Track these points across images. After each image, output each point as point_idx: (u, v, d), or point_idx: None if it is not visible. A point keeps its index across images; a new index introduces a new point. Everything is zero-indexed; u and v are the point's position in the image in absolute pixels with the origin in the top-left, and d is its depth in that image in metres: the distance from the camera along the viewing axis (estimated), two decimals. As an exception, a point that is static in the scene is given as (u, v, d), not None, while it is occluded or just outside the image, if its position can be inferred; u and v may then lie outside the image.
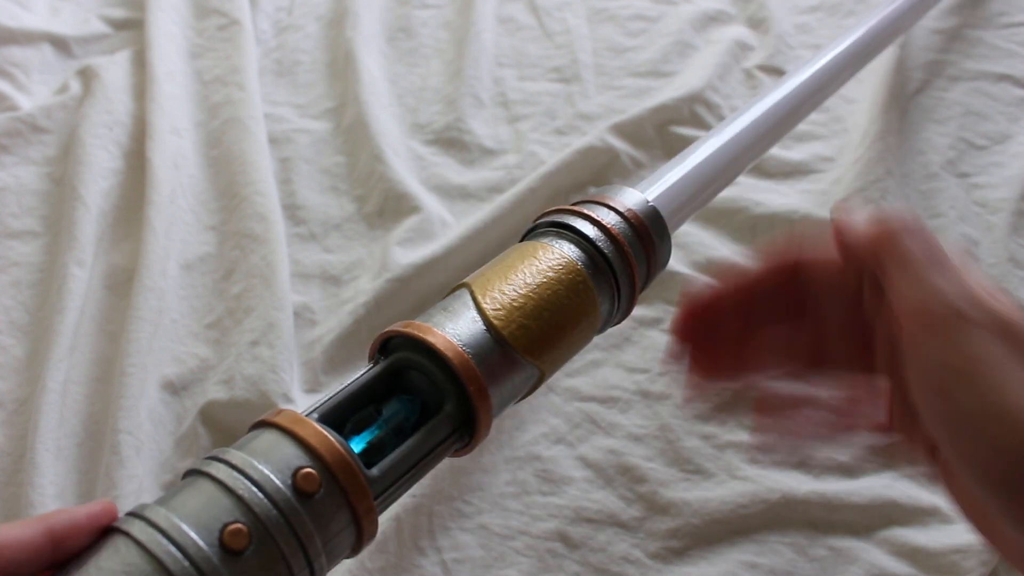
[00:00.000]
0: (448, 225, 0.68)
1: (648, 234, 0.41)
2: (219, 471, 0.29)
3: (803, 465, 0.54)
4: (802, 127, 0.75)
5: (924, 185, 0.69)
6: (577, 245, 0.39)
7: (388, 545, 0.50)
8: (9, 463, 0.54)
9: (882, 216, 0.31)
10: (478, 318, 0.35)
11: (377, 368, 0.34)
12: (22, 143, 0.73)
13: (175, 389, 0.58)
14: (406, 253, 0.64)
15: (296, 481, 0.29)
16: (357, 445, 0.32)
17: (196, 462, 0.30)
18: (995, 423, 0.24)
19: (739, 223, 0.67)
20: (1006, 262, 0.64)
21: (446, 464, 0.52)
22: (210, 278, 0.65)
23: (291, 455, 0.29)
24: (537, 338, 0.36)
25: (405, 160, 0.73)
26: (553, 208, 0.41)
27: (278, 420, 0.31)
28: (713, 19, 0.85)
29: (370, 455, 0.32)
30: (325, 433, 0.30)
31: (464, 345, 0.34)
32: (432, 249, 0.64)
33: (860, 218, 0.32)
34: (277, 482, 0.29)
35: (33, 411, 0.55)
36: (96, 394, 0.58)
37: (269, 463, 0.29)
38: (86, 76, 0.77)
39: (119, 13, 0.86)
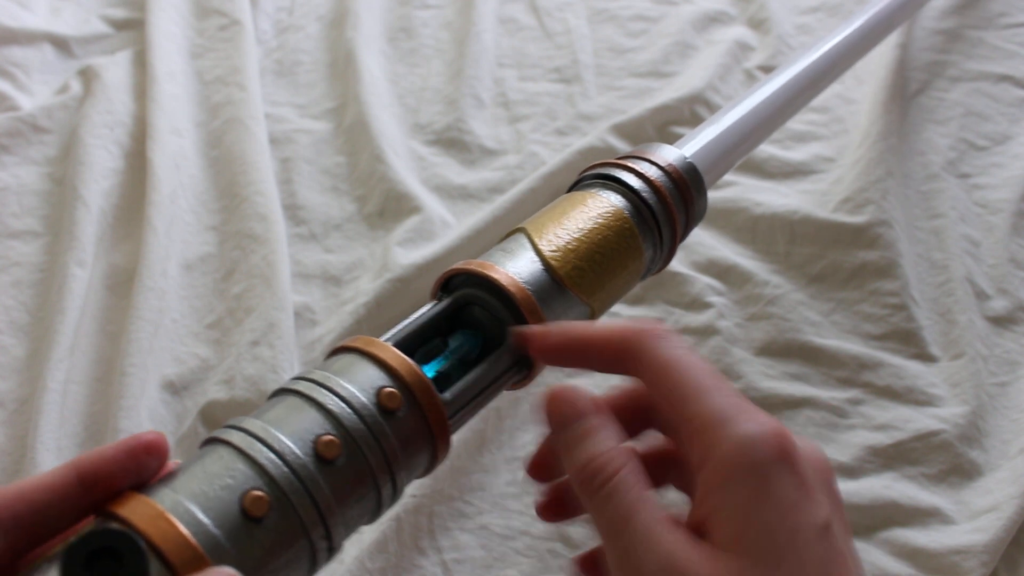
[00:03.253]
0: (449, 225, 0.68)
1: (687, 188, 0.43)
2: (309, 389, 0.31)
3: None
4: (802, 127, 0.75)
5: (925, 186, 0.69)
6: (623, 196, 0.41)
7: (388, 545, 0.50)
8: (9, 463, 0.54)
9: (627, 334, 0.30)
10: (536, 258, 0.37)
11: (443, 303, 0.36)
12: (23, 143, 0.73)
13: (175, 389, 0.58)
14: (407, 253, 0.64)
15: (380, 399, 0.31)
16: (428, 372, 0.33)
17: (285, 382, 0.32)
18: None
19: (739, 223, 0.67)
20: (1007, 263, 0.64)
21: (446, 464, 0.52)
22: (211, 278, 0.65)
23: (374, 376, 0.31)
24: (590, 278, 0.38)
25: (406, 160, 0.73)
26: (598, 162, 0.44)
27: (357, 344, 0.33)
28: (714, 20, 0.85)
29: (438, 383, 0.33)
30: (403, 356, 0.32)
31: (524, 282, 0.36)
32: (433, 249, 0.64)
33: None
34: (363, 398, 0.31)
35: (33, 411, 0.55)
36: (96, 394, 0.57)
37: (353, 382, 0.31)
38: (87, 76, 0.77)
39: (120, 13, 0.86)
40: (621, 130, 0.73)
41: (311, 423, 0.29)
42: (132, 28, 0.84)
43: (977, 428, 0.55)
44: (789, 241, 0.65)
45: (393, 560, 0.50)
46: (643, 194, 0.41)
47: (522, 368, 0.36)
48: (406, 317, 0.36)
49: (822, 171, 0.72)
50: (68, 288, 0.61)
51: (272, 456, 0.28)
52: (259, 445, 0.28)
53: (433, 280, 0.63)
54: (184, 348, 0.60)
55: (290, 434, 0.29)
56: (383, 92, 0.79)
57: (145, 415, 0.55)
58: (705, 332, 0.60)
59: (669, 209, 0.42)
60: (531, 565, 0.51)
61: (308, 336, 0.61)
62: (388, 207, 0.69)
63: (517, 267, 0.36)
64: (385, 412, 0.31)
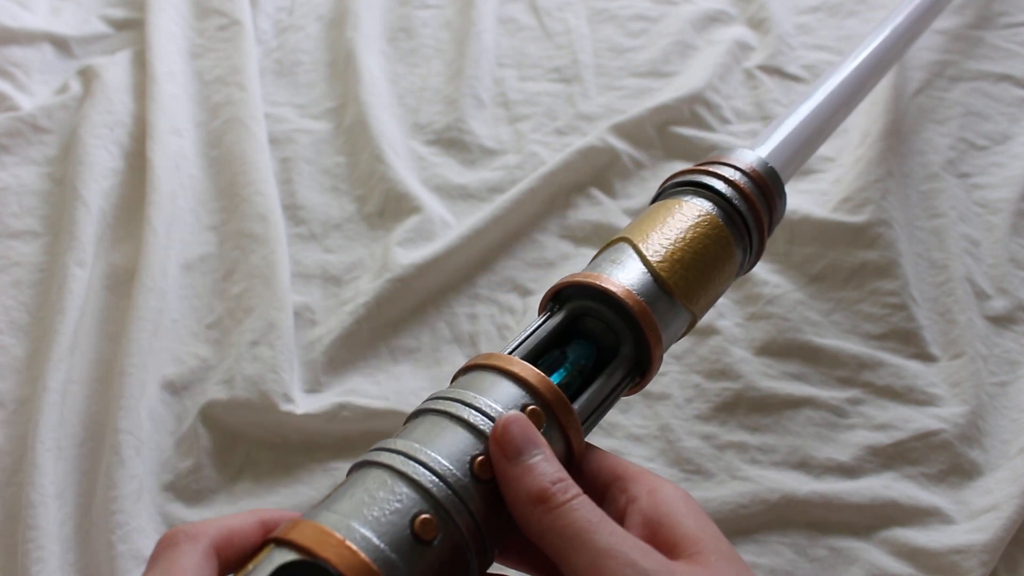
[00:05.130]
0: (449, 225, 0.68)
1: (770, 190, 0.44)
2: (455, 408, 0.32)
3: (803, 465, 0.54)
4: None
5: (924, 185, 0.69)
6: (714, 202, 0.42)
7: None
8: (9, 463, 0.54)
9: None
10: (645, 269, 0.38)
11: (560, 314, 0.37)
12: (23, 143, 0.73)
13: (175, 389, 0.58)
14: (407, 253, 0.64)
15: (526, 415, 0.32)
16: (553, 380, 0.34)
17: (426, 402, 0.33)
18: None
19: (739, 223, 0.67)
20: (1007, 262, 0.64)
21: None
22: (210, 278, 0.65)
23: (515, 394, 0.32)
24: (694, 287, 0.39)
25: (406, 160, 0.73)
26: (684, 169, 0.44)
27: (493, 362, 0.33)
28: (714, 19, 0.85)
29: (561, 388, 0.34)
30: (540, 373, 0.33)
31: (637, 293, 0.37)
32: (433, 249, 0.64)
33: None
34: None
35: (33, 411, 0.55)
36: (96, 394, 0.57)
37: (498, 401, 0.32)
38: (86, 76, 0.77)
39: (119, 13, 0.86)
40: (621, 130, 0.73)
41: (464, 443, 0.30)
42: (132, 28, 0.84)
43: (977, 428, 0.55)
44: (789, 241, 0.65)
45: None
46: (733, 200, 0.42)
47: (636, 375, 0.37)
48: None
49: (822, 171, 0.72)
50: (68, 288, 0.61)
51: (435, 479, 0.29)
52: (420, 468, 0.29)
53: (433, 280, 0.64)
54: (184, 348, 0.60)
55: (447, 455, 0.30)
56: (383, 92, 0.79)
57: (145, 415, 0.55)
58: (705, 332, 0.60)
59: (757, 212, 0.43)
60: (531, 565, 0.51)
61: (308, 336, 0.61)
62: (388, 207, 0.69)
63: (628, 278, 0.37)
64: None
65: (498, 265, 0.66)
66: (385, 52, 0.84)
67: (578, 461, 0.33)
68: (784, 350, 0.59)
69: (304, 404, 0.57)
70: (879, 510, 0.51)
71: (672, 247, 0.39)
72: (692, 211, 0.41)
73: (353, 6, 0.85)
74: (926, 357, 0.59)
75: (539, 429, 0.31)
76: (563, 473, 0.30)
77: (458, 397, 0.32)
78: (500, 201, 0.67)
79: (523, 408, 0.32)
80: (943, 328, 0.61)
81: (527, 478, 0.30)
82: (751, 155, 0.45)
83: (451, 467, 0.30)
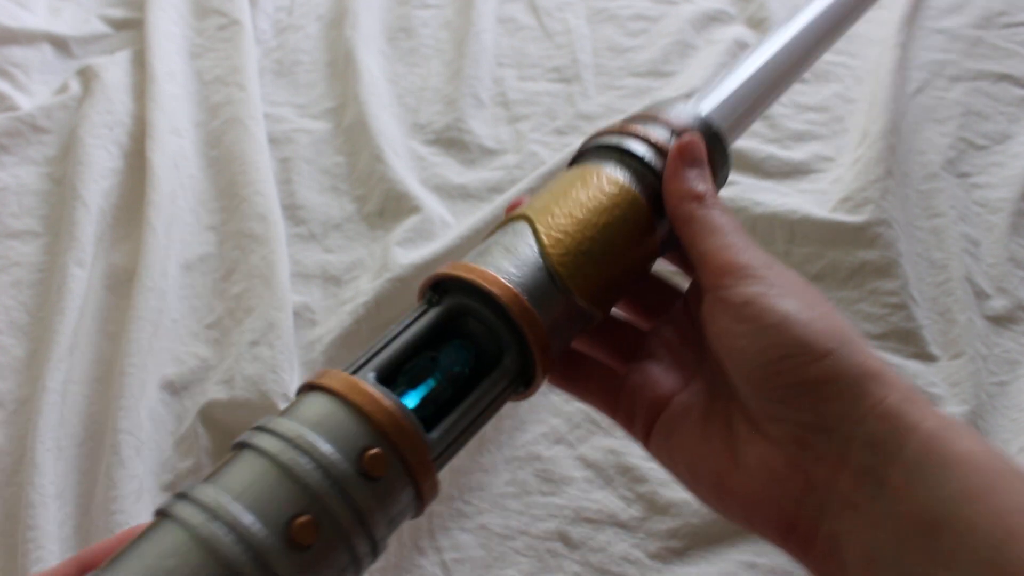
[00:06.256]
0: (448, 225, 0.68)
1: (709, 155, 0.37)
2: (281, 450, 0.26)
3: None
4: (801, 127, 0.75)
5: (924, 185, 0.69)
6: (636, 174, 0.36)
7: (388, 545, 0.50)
8: (9, 463, 0.55)
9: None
10: (540, 262, 0.33)
11: (430, 315, 0.32)
12: (22, 143, 0.73)
13: (175, 389, 0.58)
14: (406, 253, 0.64)
15: (364, 464, 0.27)
16: (412, 400, 0.30)
17: (245, 434, 0.27)
18: (772, 332, 0.30)
19: (739, 223, 0.67)
20: (1006, 262, 0.64)
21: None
22: (210, 278, 0.65)
23: (355, 433, 0.27)
24: (602, 286, 0.34)
25: (405, 160, 0.73)
26: (603, 129, 0.38)
27: (333, 385, 0.28)
28: (713, 19, 0.85)
29: (424, 407, 0.30)
30: (389, 404, 0.28)
31: (527, 294, 0.31)
32: (432, 249, 0.64)
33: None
34: (344, 466, 0.26)
35: (33, 411, 0.55)
36: (96, 394, 0.58)
37: (334, 441, 0.26)
38: (86, 76, 0.77)
39: (119, 13, 0.86)
40: (620, 130, 0.73)
41: (285, 500, 0.25)
42: (131, 28, 0.84)
43: (977, 427, 0.55)
44: (788, 240, 0.65)
45: (393, 560, 0.50)
46: (654, 166, 0.36)
47: (519, 385, 0.33)
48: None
49: (821, 170, 0.72)
50: (68, 288, 0.61)
51: (236, 546, 0.24)
52: (218, 528, 0.24)
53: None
54: (184, 348, 0.60)
55: (260, 513, 0.25)
56: (383, 92, 0.79)
57: (145, 415, 0.55)
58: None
59: None
60: (530, 565, 0.51)
61: (307, 336, 0.61)
62: (388, 207, 0.69)
63: (519, 272, 0.32)
64: (368, 479, 0.27)
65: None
66: (385, 52, 0.84)
67: (426, 506, 0.30)
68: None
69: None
70: (879, 510, 0.51)
71: (579, 234, 0.33)
72: (609, 186, 0.35)
73: (352, 6, 0.85)
74: (926, 357, 0.59)
75: (381, 478, 0.27)
76: (714, 188, 0.36)
77: (285, 433, 0.26)
78: (500, 201, 0.67)
79: (363, 453, 0.26)
80: (943, 328, 0.61)
81: (695, 179, 0.35)
82: (688, 112, 0.38)
83: (262, 530, 0.25)
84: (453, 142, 0.75)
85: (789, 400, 0.30)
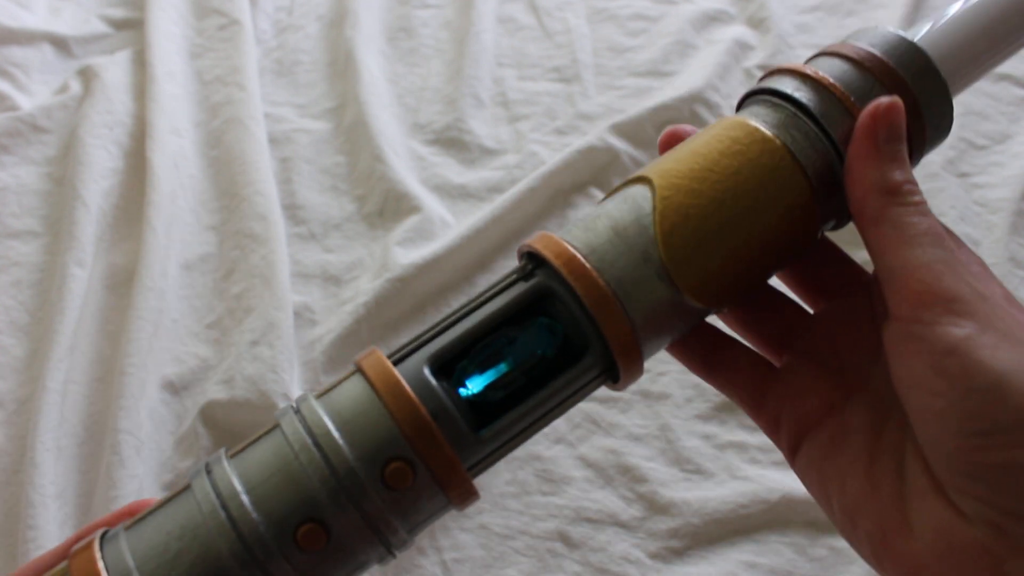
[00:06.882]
0: (448, 225, 0.68)
1: (901, 84, 0.28)
2: (297, 441, 0.25)
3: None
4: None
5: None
6: (778, 111, 0.28)
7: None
8: (9, 463, 0.55)
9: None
10: (653, 255, 0.27)
11: (518, 290, 0.28)
12: (22, 143, 0.73)
13: (175, 389, 0.58)
14: (406, 253, 0.64)
15: (386, 476, 0.25)
16: (478, 384, 0.27)
17: (276, 412, 0.27)
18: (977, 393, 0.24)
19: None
20: (1006, 262, 0.64)
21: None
22: (210, 278, 0.65)
23: (382, 440, 0.25)
24: (716, 275, 0.28)
25: (405, 160, 0.73)
26: (783, 67, 0.30)
27: (372, 376, 0.26)
28: (713, 19, 0.85)
29: (493, 390, 0.27)
30: (424, 412, 0.25)
31: (622, 292, 0.27)
32: (432, 249, 0.64)
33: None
34: (364, 475, 0.25)
35: (33, 411, 0.55)
36: (96, 394, 0.58)
37: (358, 447, 0.25)
38: (86, 76, 0.77)
39: (119, 13, 0.86)
40: (621, 129, 0.73)
41: (297, 504, 0.25)
42: (131, 28, 0.84)
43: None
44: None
45: (392, 560, 0.50)
46: (808, 105, 0.28)
47: (608, 378, 0.29)
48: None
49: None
50: (68, 288, 0.61)
51: (240, 548, 0.24)
52: (224, 520, 0.25)
53: (433, 279, 0.63)
54: (184, 348, 0.60)
55: (268, 516, 0.25)
56: (383, 92, 0.79)
57: (145, 415, 0.55)
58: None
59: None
60: (530, 564, 0.51)
61: (308, 336, 0.61)
62: (388, 207, 0.69)
63: (622, 266, 0.27)
64: (390, 489, 0.25)
65: (498, 265, 0.66)
66: (385, 52, 0.84)
67: (464, 508, 0.28)
68: (784, 350, 0.59)
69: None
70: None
71: (706, 228, 0.27)
72: (747, 136, 0.28)
73: (353, 6, 0.85)
74: (926, 357, 0.59)
75: (403, 489, 0.25)
76: (914, 177, 0.27)
77: (311, 427, 0.26)
78: (500, 201, 0.67)
79: (386, 464, 0.25)
80: (943, 328, 0.61)
81: (890, 163, 0.27)
82: (879, 34, 0.29)
83: (272, 532, 0.25)
84: (453, 142, 0.75)
85: (992, 480, 0.24)
